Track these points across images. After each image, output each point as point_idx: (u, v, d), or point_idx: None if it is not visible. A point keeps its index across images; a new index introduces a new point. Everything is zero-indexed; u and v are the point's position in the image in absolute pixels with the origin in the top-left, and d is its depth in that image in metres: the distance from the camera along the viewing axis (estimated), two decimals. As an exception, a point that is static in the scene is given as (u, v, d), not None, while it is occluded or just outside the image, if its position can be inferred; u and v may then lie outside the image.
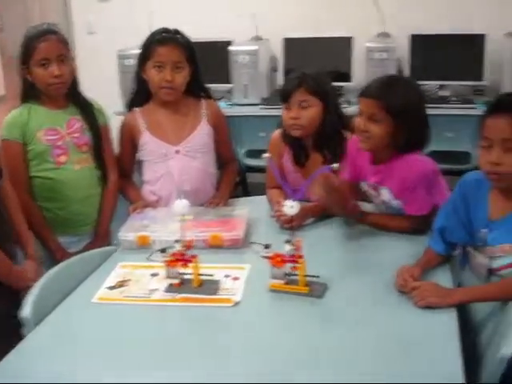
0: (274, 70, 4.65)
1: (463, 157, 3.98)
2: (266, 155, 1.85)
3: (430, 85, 4.40)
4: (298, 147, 2.51)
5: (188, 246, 1.85)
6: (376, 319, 1.71)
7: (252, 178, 4.57)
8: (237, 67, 4.34)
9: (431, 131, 3.88)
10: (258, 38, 4.64)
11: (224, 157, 2.73)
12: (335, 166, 1.78)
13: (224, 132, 2.70)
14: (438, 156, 4.06)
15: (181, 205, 1.85)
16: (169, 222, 2.20)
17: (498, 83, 4.20)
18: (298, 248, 1.80)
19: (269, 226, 2.32)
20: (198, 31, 4.45)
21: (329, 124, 2.44)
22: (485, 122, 1.76)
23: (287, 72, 4.28)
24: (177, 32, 2.49)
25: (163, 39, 2.43)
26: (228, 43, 4.44)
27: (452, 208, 1.96)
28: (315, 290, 1.82)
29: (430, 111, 3.90)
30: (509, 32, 4.26)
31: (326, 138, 2.43)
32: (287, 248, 1.81)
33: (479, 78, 4.25)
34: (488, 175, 1.78)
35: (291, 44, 4.52)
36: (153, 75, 2.45)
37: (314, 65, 4.31)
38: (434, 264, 1.96)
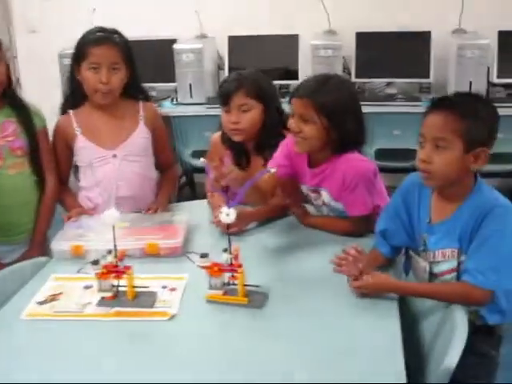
0: (219, 68, 4.58)
1: (410, 154, 3.95)
2: (202, 160, 1.76)
3: (376, 82, 4.40)
4: (239, 151, 2.44)
5: (120, 257, 1.76)
6: (317, 328, 1.66)
7: (200, 178, 4.49)
8: (181, 66, 4.25)
9: (378, 129, 3.94)
10: (202, 36, 4.56)
11: (163, 161, 2.63)
12: (273, 170, 1.71)
13: (162, 135, 2.61)
14: (385, 154, 4.11)
15: (110, 215, 1.75)
16: (105, 230, 2.09)
17: (444, 80, 4.24)
18: (236, 257, 1.73)
19: (210, 232, 2.24)
20: (141, 29, 4.42)
21: (270, 126, 2.37)
22: (424, 118, 1.73)
23: (232, 70, 4.20)
24: (113, 31, 2.39)
25: (98, 39, 2.33)
26: (173, 41, 4.35)
27: (393, 210, 1.92)
28: (255, 300, 1.76)
29: (377, 109, 3.99)
30: (454, 29, 4.29)
31: (268, 141, 2.37)
32: (225, 257, 1.73)
33: (425, 75, 4.25)
34: (419, 173, 1.76)
35: (237, 42, 4.45)
36: (88, 77, 2.34)
37: (259, 63, 4.33)
38: (377, 264, 1.92)
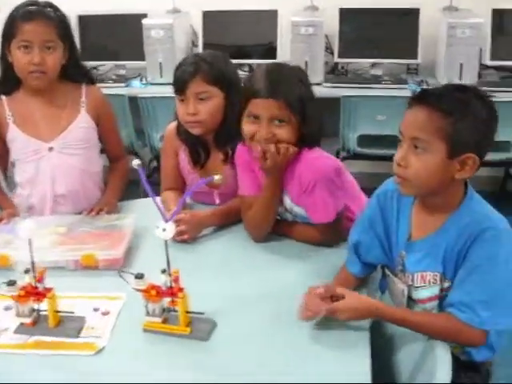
0: (193, 45, 4.27)
1: (396, 141, 3.69)
2: (136, 163, 1.45)
3: (361, 63, 4.11)
4: (196, 145, 2.15)
5: (39, 278, 1.48)
6: (273, 363, 1.40)
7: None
8: (151, 43, 3.97)
9: (362, 114, 3.66)
10: (175, 11, 4.24)
11: (111, 153, 2.34)
12: (217, 177, 1.41)
13: (109, 123, 2.29)
14: (368, 140, 3.84)
15: (25, 228, 1.46)
16: (37, 236, 1.81)
17: (433, 62, 3.98)
18: (177, 279, 1.45)
19: (159, 240, 1.93)
20: (109, 3, 4.12)
21: (232, 117, 2.07)
22: (404, 113, 1.46)
23: (207, 48, 3.91)
24: (47, 4, 2.06)
25: (27, 13, 2.00)
26: (143, 16, 4.05)
27: (368, 220, 1.64)
28: (199, 329, 1.48)
29: (360, 92, 3.70)
30: (445, 6, 3.99)
31: (229, 133, 2.08)
32: (163, 279, 1.45)
33: (413, 56, 3.96)
34: (394, 178, 1.48)
35: (211, 17, 4.14)
36: (18, 57, 2.02)
37: (235, 40, 4.05)
38: (350, 287, 1.63)
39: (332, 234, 1.88)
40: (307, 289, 1.53)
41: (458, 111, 1.38)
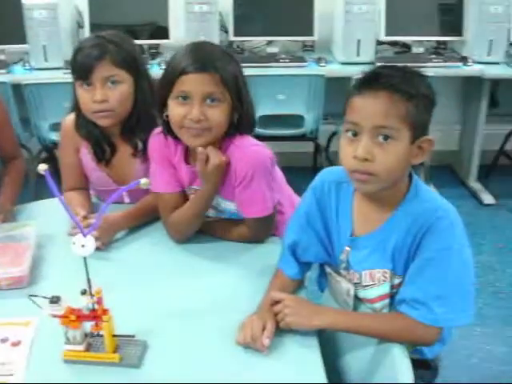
0: (79, 26, 3.98)
1: (296, 121, 3.63)
2: (42, 168, 1.23)
3: (256, 41, 3.98)
4: (100, 139, 1.93)
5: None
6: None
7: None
8: (33, 24, 3.64)
9: (261, 94, 3.51)
10: (58, -10, 3.91)
11: (3, 152, 2.07)
12: (143, 181, 1.23)
13: (1, 121, 2.03)
14: (268, 120, 3.74)
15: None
16: None
17: (330, 39, 3.93)
18: (100, 301, 1.26)
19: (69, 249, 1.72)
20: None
21: (142, 103, 1.88)
22: (351, 100, 1.31)
23: (94, 29, 3.64)
24: None
25: None
26: (23, -5, 3.70)
27: (305, 218, 1.51)
28: (129, 355, 1.30)
29: (258, 71, 3.58)
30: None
31: (138, 123, 1.88)
32: (84, 301, 1.26)
33: (309, 33, 3.87)
34: (352, 174, 1.33)
35: (97, -4, 3.86)
36: None
37: (124, 19, 3.80)
38: (289, 291, 1.51)
39: (265, 229, 1.75)
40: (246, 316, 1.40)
41: (416, 93, 1.27)
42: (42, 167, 1.20)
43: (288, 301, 1.38)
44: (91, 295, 1.25)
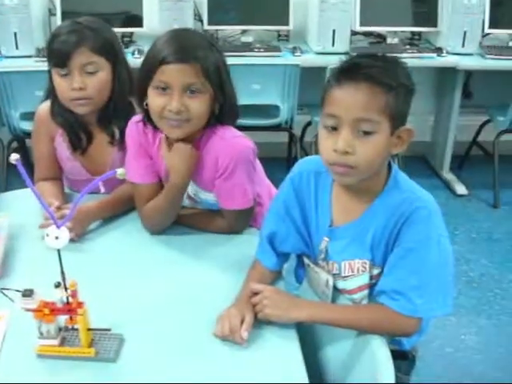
0: (50, 13, 3.90)
1: (272, 111, 3.61)
2: (14, 158, 1.18)
3: (230, 30, 3.94)
4: (76, 127, 1.88)
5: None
6: (195, 377, 1.23)
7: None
8: (3, 11, 3.56)
9: (236, 84, 3.50)
10: (28, -24, 3.83)
11: None
12: (120, 171, 1.20)
13: None
14: (243, 110, 3.67)
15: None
16: None
17: (304, 28, 3.90)
18: (75, 294, 1.23)
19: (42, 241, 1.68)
20: None
21: (120, 91, 1.84)
22: (330, 92, 1.28)
23: (66, 16, 3.57)
24: None
25: None
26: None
27: (283, 208, 1.48)
28: (105, 349, 1.27)
29: (233, 60, 3.51)
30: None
31: (115, 111, 1.84)
32: (58, 295, 1.23)
33: (284, 22, 3.85)
34: (332, 167, 1.30)
35: (69, -18, 3.78)
36: None
37: (97, 7, 3.73)
38: (267, 282, 1.49)
39: (243, 221, 1.73)
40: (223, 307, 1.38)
41: (395, 83, 1.25)
42: (14, 157, 1.16)
43: (267, 292, 1.37)
44: (65, 288, 1.22)
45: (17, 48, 3.59)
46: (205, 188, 1.71)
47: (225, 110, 1.61)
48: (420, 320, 1.32)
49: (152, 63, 1.54)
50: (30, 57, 3.56)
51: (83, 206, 1.72)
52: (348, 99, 1.25)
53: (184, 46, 1.54)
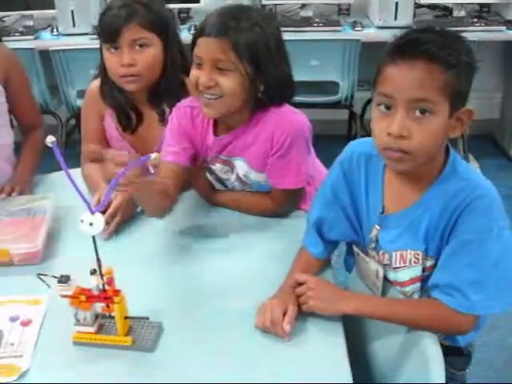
0: (107, -10, 3.88)
1: (331, 87, 3.51)
2: (50, 140, 1.14)
3: (289, 4, 3.84)
4: (125, 106, 1.84)
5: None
6: (234, 372, 1.17)
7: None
8: (61, -11, 3.57)
9: (294, 60, 3.38)
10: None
11: (24, 121, 2.00)
12: (154, 155, 1.14)
13: (20, 86, 1.94)
14: (301, 87, 3.61)
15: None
16: None
17: (365, 1, 3.78)
18: (111, 282, 1.19)
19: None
20: None
21: (171, 68, 1.78)
22: (384, 70, 1.18)
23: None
24: None
25: None
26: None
27: (331, 193, 1.40)
28: (143, 338, 1.23)
29: (291, 36, 3.45)
30: None
31: (166, 89, 1.79)
32: (94, 282, 1.19)
33: (343, -5, 3.73)
34: (385, 152, 1.21)
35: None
36: None
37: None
38: (314, 271, 1.42)
39: (293, 202, 1.66)
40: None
41: (455, 60, 1.14)
42: (50, 139, 1.12)
43: (311, 283, 1.29)
44: (101, 275, 1.18)
45: (74, 26, 3.61)
46: (256, 168, 1.64)
47: (271, 90, 1.53)
48: (476, 317, 1.23)
49: (195, 36, 1.51)
50: (86, 34, 3.56)
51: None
52: (403, 78, 1.15)
53: (222, 21, 1.48)
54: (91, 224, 1.13)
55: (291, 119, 1.57)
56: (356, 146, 1.38)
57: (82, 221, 1.14)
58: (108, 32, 1.73)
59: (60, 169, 1.96)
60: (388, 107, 1.17)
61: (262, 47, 1.49)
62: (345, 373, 1.15)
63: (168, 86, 1.79)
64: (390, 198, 1.31)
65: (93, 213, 1.13)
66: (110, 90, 1.83)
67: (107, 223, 1.60)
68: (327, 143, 1.85)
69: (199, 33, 1.49)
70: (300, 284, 1.31)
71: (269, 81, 1.52)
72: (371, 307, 1.26)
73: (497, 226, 1.20)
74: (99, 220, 1.14)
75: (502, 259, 1.20)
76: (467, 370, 1.47)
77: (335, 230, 1.41)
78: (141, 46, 1.73)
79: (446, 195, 1.22)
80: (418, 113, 1.14)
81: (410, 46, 1.16)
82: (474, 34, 3.15)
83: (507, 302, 1.21)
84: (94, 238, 1.17)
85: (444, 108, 1.15)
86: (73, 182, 1.14)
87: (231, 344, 1.24)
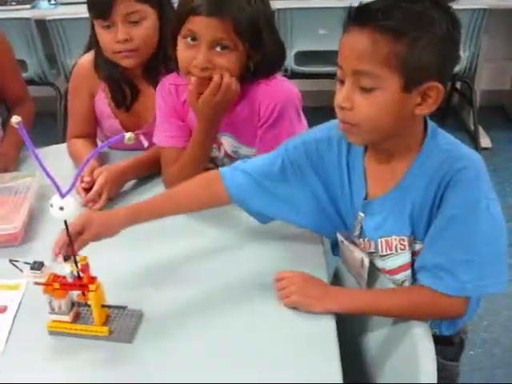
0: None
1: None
2: (15, 119, 1.05)
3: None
4: (120, 81, 1.75)
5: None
6: (218, 367, 1.10)
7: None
8: (59, -43, 3.47)
9: (299, 28, 3.30)
10: None
11: (10, 96, 1.93)
12: (128, 135, 1.06)
13: (5, 61, 1.87)
14: (308, 57, 3.51)
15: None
16: None
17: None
18: (86, 268, 1.12)
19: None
20: None
21: (167, 39, 1.69)
22: (341, 39, 1.11)
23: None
24: None
25: None
26: None
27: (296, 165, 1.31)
28: (121, 328, 1.17)
29: (297, 3, 3.33)
30: None
31: (164, 60, 1.68)
32: (67, 269, 1.12)
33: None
34: (339, 124, 1.14)
35: None
36: None
37: None
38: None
39: None
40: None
41: (412, 28, 1.03)
42: (16, 119, 1.04)
43: (296, 278, 1.22)
44: (75, 262, 1.11)
45: (72, -6, 3.49)
46: (246, 143, 1.56)
47: (263, 64, 1.45)
48: (468, 299, 1.15)
49: (182, 13, 1.40)
50: (84, 3, 3.41)
51: (114, 165, 1.62)
52: (348, 48, 1.07)
53: None
54: (61, 208, 1.05)
55: (278, 88, 1.50)
56: (336, 127, 1.26)
57: (51, 205, 1.06)
58: (99, 7, 1.62)
59: (48, 144, 1.92)
60: (341, 79, 1.09)
61: (261, 20, 1.41)
62: (334, 369, 1.08)
63: (166, 58, 1.69)
64: (372, 182, 1.22)
65: (63, 196, 1.06)
66: (104, 63, 1.74)
67: (94, 201, 1.55)
68: (332, 115, 1.76)
69: (190, 10, 1.37)
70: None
71: (266, 53, 1.44)
72: (357, 303, 1.19)
73: (485, 197, 1.10)
74: (70, 204, 1.06)
75: (492, 234, 1.11)
76: (460, 360, 1.39)
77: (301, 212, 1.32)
78: (135, 19, 1.62)
79: (428, 171, 1.13)
80: (362, 85, 1.06)
81: (357, 15, 1.07)
82: (486, 1, 3.02)
83: (501, 281, 1.12)
84: (65, 222, 1.09)
85: (392, 82, 1.05)
86: (41, 163, 1.06)
87: (215, 333, 1.17)
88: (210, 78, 1.41)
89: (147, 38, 1.66)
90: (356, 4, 1.09)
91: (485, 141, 3.48)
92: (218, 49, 1.38)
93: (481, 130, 3.49)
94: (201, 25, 1.37)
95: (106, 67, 1.74)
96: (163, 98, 1.59)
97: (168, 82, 1.58)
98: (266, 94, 1.48)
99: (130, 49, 1.65)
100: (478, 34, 3.05)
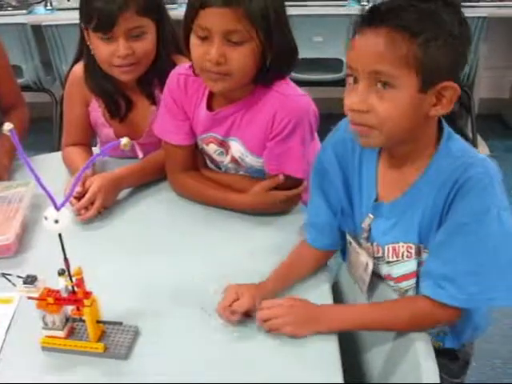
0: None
1: (335, 65, 3.37)
2: (7, 127, 1.02)
3: (292, -23, 3.68)
4: (114, 94, 1.72)
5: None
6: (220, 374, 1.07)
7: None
8: (55, -38, 3.45)
9: (295, 36, 3.27)
10: None
11: (3, 102, 1.89)
12: (124, 141, 1.02)
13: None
14: (304, 64, 3.48)
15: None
16: None
17: (373, -27, 3.58)
18: (80, 282, 1.09)
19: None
20: None
21: (164, 50, 1.66)
22: (352, 40, 1.09)
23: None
24: None
25: None
26: None
27: (322, 178, 1.30)
28: (116, 344, 1.13)
29: (293, 10, 3.27)
30: None
31: (158, 72, 1.66)
32: (62, 283, 1.09)
33: (351, -33, 3.56)
34: (352, 128, 1.12)
35: None
36: None
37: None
38: (322, 263, 1.35)
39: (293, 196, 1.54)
40: None
41: (428, 28, 1.02)
42: (8, 126, 1.01)
43: (286, 308, 1.18)
44: (70, 276, 1.08)
45: (68, 0, 3.46)
46: (253, 151, 1.52)
47: (279, 58, 1.40)
48: (462, 310, 1.12)
49: (194, 5, 1.35)
50: (78, 9, 3.42)
51: (109, 173, 1.59)
52: (363, 49, 1.05)
53: None
54: (56, 221, 1.02)
55: (298, 101, 1.45)
56: (347, 125, 1.23)
57: (45, 218, 1.03)
58: (100, 20, 1.55)
59: (44, 150, 1.89)
60: (355, 80, 1.07)
61: (272, 11, 1.36)
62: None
63: (161, 70, 1.66)
64: (384, 185, 1.20)
65: (58, 209, 1.02)
66: (95, 77, 1.70)
67: (86, 208, 1.52)
68: (331, 123, 1.74)
69: (200, 4, 1.33)
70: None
71: (279, 48, 1.38)
72: (348, 322, 1.17)
73: (495, 206, 1.07)
74: (65, 216, 1.03)
75: (502, 244, 1.08)
76: (464, 378, 1.36)
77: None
78: (137, 34, 1.58)
79: (439, 178, 1.10)
80: (379, 85, 1.04)
81: (372, 16, 1.05)
82: (485, 9, 3.01)
83: (510, 295, 1.09)
84: (60, 236, 1.06)
85: (409, 82, 1.03)
86: (34, 172, 1.03)
87: (213, 350, 1.14)
88: (226, 73, 1.37)
89: (148, 52, 1.63)
90: (356, 12, 1.08)
91: (483, 149, 3.46)
92: (231, 42, 1.34)
93: (479, 139, 3.48)
94: (213, 17, 1.32)
95: (97, 81, 1.70)
96: (170, 91, 1.56)
97: (178, 72, 1.55)
98: (283, 106, 1.44)
99: (130, 63, 1.61)
100: (477, 42, 3.06)
